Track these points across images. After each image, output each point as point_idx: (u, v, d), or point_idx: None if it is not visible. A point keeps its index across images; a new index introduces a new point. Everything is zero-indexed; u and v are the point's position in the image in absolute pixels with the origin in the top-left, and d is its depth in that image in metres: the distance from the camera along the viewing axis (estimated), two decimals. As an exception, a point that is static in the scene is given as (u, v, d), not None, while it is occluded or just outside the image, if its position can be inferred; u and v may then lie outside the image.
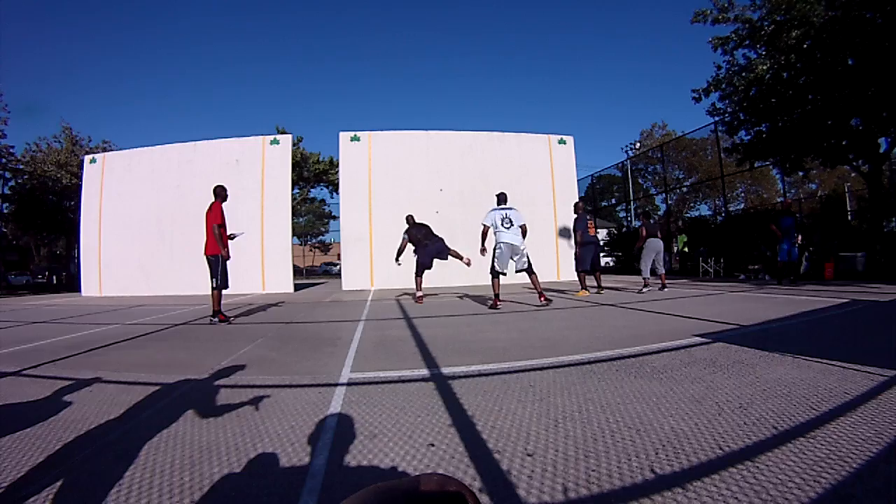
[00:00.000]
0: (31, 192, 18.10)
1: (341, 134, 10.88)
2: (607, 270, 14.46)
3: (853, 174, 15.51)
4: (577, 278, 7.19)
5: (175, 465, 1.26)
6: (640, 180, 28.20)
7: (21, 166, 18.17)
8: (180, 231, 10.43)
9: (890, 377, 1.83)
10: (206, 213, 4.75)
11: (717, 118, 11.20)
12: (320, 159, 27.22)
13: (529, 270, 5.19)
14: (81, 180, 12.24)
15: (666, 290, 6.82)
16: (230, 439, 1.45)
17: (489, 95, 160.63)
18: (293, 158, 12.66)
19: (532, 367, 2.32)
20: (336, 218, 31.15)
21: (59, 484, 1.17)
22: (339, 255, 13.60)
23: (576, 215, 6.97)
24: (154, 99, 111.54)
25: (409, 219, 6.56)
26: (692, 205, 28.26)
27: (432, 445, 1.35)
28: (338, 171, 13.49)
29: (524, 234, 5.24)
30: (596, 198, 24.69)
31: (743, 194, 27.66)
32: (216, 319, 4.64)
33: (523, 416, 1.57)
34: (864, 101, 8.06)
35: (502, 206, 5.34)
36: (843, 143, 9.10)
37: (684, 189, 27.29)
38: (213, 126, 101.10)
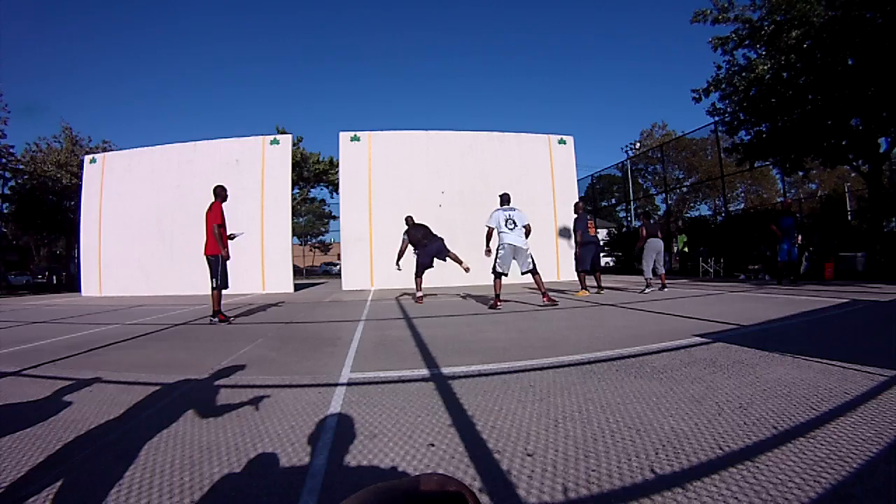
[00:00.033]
0: (31, 192, 18.10)
1: (341, 134, 10.89)
2: (607, 270, 14.46)
3: (853, 174, 15.50)
4: (577, 278, 7.20)
5: (175, 465, 1.26)
6: (640, 180, 28.21)
7: (21, 166, 18.18)
8: (180, 231, 10.43)
9: (890, 377, 1.83)
10: (206, 213, 4.75)
11: (717, 118, 11.21)
12: (320, 159, 27.23)
13: (533, 271, 5.20)
14: (81, 180, 12.24)
15: (666, 290, 6.82)
16: (230, 439, 1.45)
17: (489, 95, 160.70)
18: (293, 158, 12.67)
19: (532, 367, 2.32)
20: (336, 218, 31.18)
21: (59, 484, 1.17)
22: (339, 255, 13.60)
23: (576, 215, 6.97)
24: (154, 99, 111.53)
25: (409, 220, 6.57)
26: (692, 205, 28.26)
27: (432, 445, 1.35)
28: (338, 171, 13.50)
29: (528, 233, 5.24)
30: (596, 198, 24.70)
31: (743, 194, 27.67)
32: (216, 319, 4.64)
33: (523, 416, 1.57)
34: (864, 101, 8.06)
35: (505, 207, 5.34)
36: (843, 143, 9.10)
37: (684, 189, 27.30)
38: (213, 126, 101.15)
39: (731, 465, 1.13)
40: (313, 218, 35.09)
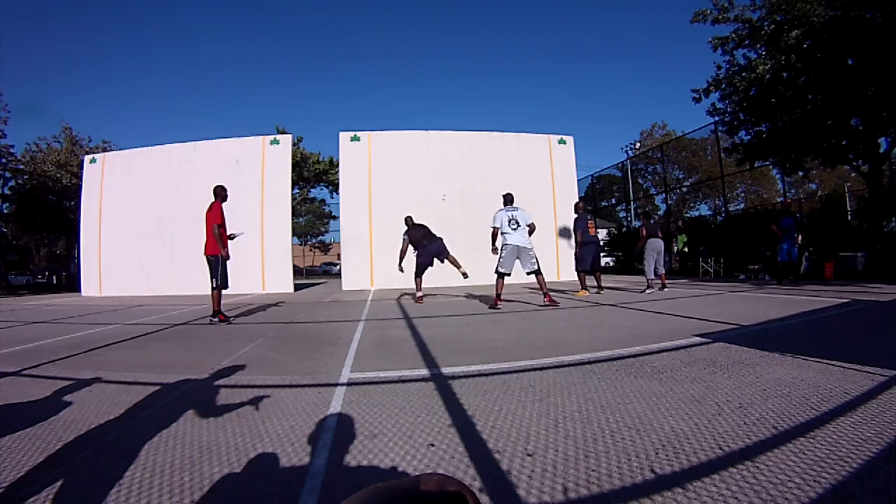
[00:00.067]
0: (31, 192, 18.10)
1: (341, 134, 10.89)
2: (607, 270, 14.47)
3: (853, 174, 15.50)
4: (577, 278, 7.20)
5: (175, 465, 1.26)
6: (640, 180, 28.21)
7: (21, 166, 18.17)
8: (180, 231, 10.43)
9: (890, 377, 1.83)
10: (206, 213, 4.75)
11: (717, 118, 11.20)
12: (320, 159, 27.23)
13: (537, 272, 5.22)
14: (81, 180, 12.24)
15: (666, 289, 6.82)
16: (230, 439, 1.45)
17: (489, 95, 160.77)
18: (293, 158, 12.67)
19: (532, 367, 2.32)
20: (336, 218, 31.19)
21: (59, 484, 1.17)
22: (339, 255, 13.60)
23: (576, 215, 6.98)
24: (154, 99, 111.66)
25: (408, 220, 6.56)
26: (692, 205, 28.26)
27: (432, 445, 1.35)
28: (338, 171, 13.50)
29: (532, 231, 5.25)
30: (596, 198, 24.70)
31: (743, 194, 27.67)
32: (216, 319, 4.64)
33: (523, 416, 1.57)
34: (864, 101, 8.06)
35: (508, 207, 5.35)
36: (843, 143, 9.10)
37: (684, 189, 27.30)
38: (213, 126, 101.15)
39: (731, 465, 1.13)
40: (313, 218, 35.10)
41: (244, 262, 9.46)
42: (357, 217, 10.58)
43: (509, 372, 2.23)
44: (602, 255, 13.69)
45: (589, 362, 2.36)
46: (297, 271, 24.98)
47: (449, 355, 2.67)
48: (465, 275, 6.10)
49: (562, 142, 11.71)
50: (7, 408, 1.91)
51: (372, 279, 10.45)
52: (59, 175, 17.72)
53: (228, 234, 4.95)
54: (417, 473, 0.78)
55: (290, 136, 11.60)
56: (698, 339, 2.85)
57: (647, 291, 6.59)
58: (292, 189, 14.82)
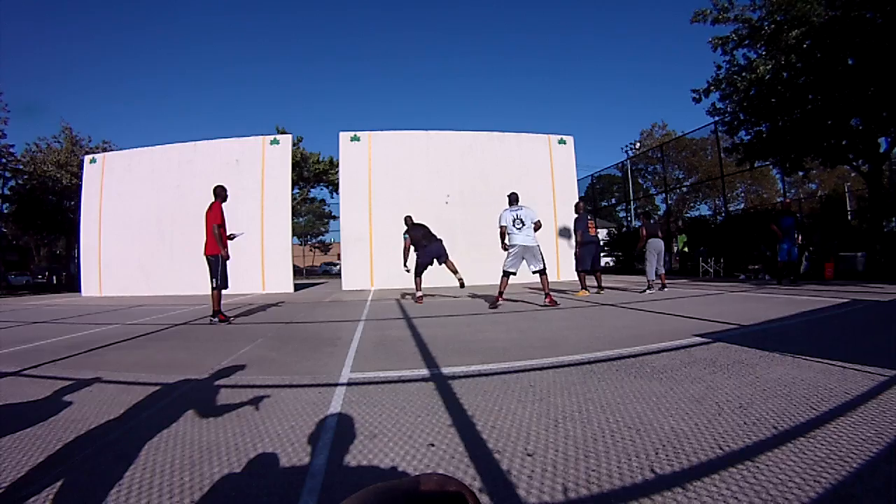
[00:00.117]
0: (31, 192, 18.09)
1: (341, 134, 10.89)
2: (607, 270, 14.47)
3: (853, 174, 15.51)
4: (577, 278, 7.20)
5: (175, 465, 1.26)
6: (640, 180, 28.22)
7: (21, 166, 18.17)
8: (180, 231, 10.43)
9: (890, 377, 1.83)
10: (206, 213, 4.75)
11: (717, 118, 11.21)
12: (320, 159, 27.23)
13: (542, 271, 5.23)
14: (81, 180, 12.24)
15: (666, 290, 6.82)
16: (230, 439, 1.45)
17: (489, 95, 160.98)
18: (293, 158, 12.67)
19: (532, 367, 2.32)
20: (336, 218, 31.19)
21: (59, 484, 1.17)
22: (339, 255, 13.60)
23: (576, 215, 6.98)
24: (154, 99, 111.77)
25: (408, 220, 6.56)
26: (692, 205, 28.26)
27: (432, 445, 1.35)
28: (338, 171, 13.50)
29: (537, 228, 5.25)
30: (596, 198, 24.69)
31: (743, 194, 27.68)
32: (216, 319, 4.64)
33: (523, 416, 1.57)
34: (864, 101, 8.06)
35: (513, 207, 5.36)
36: (843, 143, 9.10)
37: (684, 189, 27.30)
38: (213, 126, 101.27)
39: (731, 465, 1.13)
40: (313, 218, 35.09)
41: (244, 262, 9.46)
42: (357, 217, 10.58)
43: (509, 372, 2.23)
44: (602, 255, 13.69)
45: (589, 362, 2.36)
46: (297, 271, 24.98)
47: (449, 355, 2.67)
48: (461, 283, 6.10)
49: (562, 142, 11.71)
50: (7, 408, 1.91)
51: (372, 279, 10.45)
52: (59, 175, 17.72)
53: (228, 234, 4.95)
54: (417, 473, 0.78)
55: (290, 136, 11.60)
56: (698, 339, 2.85)
57: (648, 292, 6.59)
58: (292, 189, 14.83)
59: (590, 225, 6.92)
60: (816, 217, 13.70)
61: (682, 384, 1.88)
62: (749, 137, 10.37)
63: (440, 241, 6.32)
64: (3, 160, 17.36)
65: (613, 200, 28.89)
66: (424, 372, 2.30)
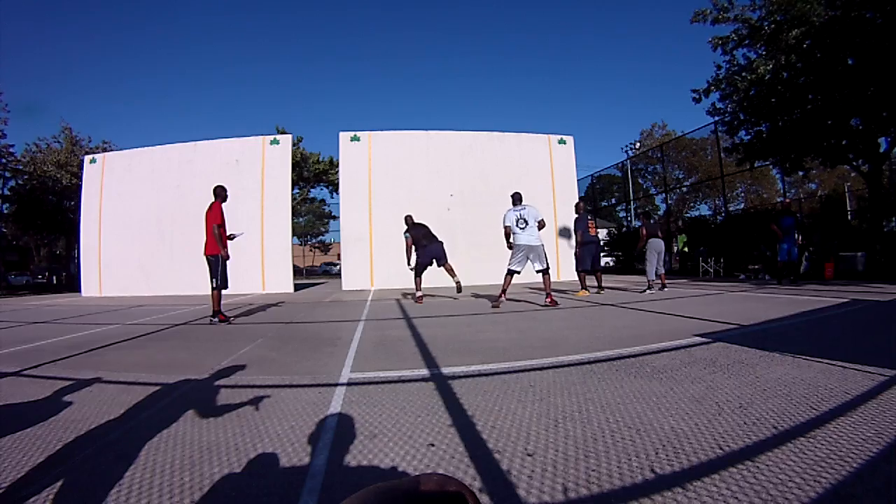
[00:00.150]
0: (31, 192, 18.08)
1: (341, 134, 10.89)
2: (607, 270, 14.46)
3: (853, 174, 15.51)
4: (577, 278, 7.20)
5: (175, 465, 1.26)
6: (640, 180, 28.22)
7: (21, 166, 18.17)
8: (180, 231, 10.43)
9: (890, 377, 1.83)
10: (206, 213, 4.75)
11: (717, 118, 11.20)
12: (320, 159, 27.23)
13: (545, 271, 5.24)
14: (81, 180, 12.24)
15: (666, 289, 6.82)
16: (230, 439, 1.45)
17: (489, 95, 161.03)
18: (293, 158, 12.67)
19: (532, 367, 2.32)
20: (336, 218, 31.20)
21: (59, 484, 1.17)
22: (339, 255, 13.60)
23: (576, 215, 6.98)
24: (154, 99, 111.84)
25: (408, 219, 6.56)
26: (692, 205, 28.26)
27: (432, 445, 1.35)
28: (338, 171, 13.50)
29: (541, 227, 5.27)
30: (596, 198, 24.69)
31: (743, 194, 27.68)
32: (216, 319, 4.64)
33: (523, 416, 1.57)
34: (864, 101, 8.06)
35: (517, 207, 5.37)
36: (843, 143, 9.10)
37: (684, 189, 27.30)
38: (213, 126, 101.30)
39: (731, 465, 1.13)
40: (313, 218, 35.09)
41: (244, 262, 9.46)
42: (357, 217, 10.58)
43: (509, 372, 2.23)
44: (602, 254, 13.69)
45: (589, 362, 2.36)
46: (297, 271, 24.97)
47: (449, 355, 2.67)
48: (459, 286, 6.08)
49: (562, 142, 11.71)
50: (7, 408, 1.91)
51: (372, 279, 10.45)
52: (59, 175, 17.72)
53: (228, 234, 4.95)
54: (417, 473, 0.78)
55: (290, 136, 11.60)
56: (698, 339, 2.85)
57: (648, 292, 6.59)
58: (292, 189, 14.84)
59: (590, 225, 6.92)
60: (816, 217, 13.71)
61: (682, 384, 1.88)
62: (749, 137, 10.37)
63: (440, 242, 6.32)
64: (3, 160, 17.36)
65: (613, 200, 28.89)
66: (424, 372, 2.30)
